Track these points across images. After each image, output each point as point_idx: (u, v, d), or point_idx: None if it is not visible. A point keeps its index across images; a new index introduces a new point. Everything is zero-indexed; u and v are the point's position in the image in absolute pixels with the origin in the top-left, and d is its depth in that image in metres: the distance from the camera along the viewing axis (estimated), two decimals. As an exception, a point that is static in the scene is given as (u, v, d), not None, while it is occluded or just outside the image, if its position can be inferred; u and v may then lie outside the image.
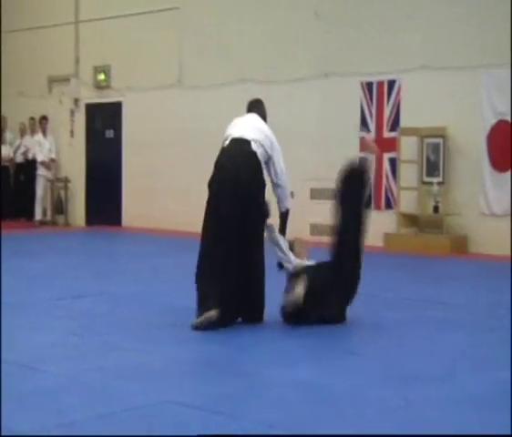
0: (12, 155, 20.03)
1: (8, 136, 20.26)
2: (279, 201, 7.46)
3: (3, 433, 4.14)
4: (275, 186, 7.43)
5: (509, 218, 13.25)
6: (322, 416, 4.64)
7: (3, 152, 19.94)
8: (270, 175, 7.36)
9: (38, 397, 4.92)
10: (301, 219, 15.81)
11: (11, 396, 4.90)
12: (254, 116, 7.52)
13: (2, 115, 20.27)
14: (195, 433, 4.23)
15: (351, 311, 7.17)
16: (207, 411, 4.64)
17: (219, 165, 7.24)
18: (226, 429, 4.34)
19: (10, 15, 20.65)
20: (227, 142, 7.28)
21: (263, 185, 7.25)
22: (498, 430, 4.30)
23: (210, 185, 7.25)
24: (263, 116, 7.60)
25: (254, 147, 7.17)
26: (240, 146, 7.18)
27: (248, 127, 7.31)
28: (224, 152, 7.26)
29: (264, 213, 7.20)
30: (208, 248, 7.09)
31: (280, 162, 7.37)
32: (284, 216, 7.49)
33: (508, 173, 13.42)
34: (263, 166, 7.24)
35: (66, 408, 4.68)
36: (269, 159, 7.28)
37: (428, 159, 14.19)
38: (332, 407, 4.84)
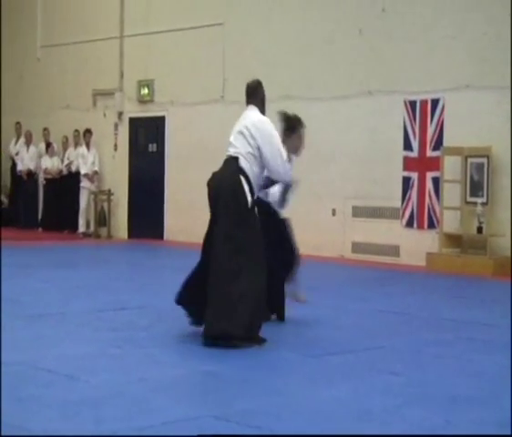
0: (61, 167, 20.16)
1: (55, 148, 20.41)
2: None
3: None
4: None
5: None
6: (361, 433, 4.61)
7: (50, 164, 20.12)
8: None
9: (79, 406, 4.95)
10: (343, 237, 15.81)
11: (53, 404, 4.94)
12: (246, 114, 7.71)
13: (46, 127, 20.50)
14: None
15: (391, 331, 7.09)
16: (244, 425, 4.63)
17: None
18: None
19: (57, 29, 20.96)
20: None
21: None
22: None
23: None
24: (262, 102, 7.89)
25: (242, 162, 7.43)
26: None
27: (237, 138, 7.53)
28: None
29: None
30: None
31: (272, 154, 7.38)
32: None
33: (553, 194, 13.25)
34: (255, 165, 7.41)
35: (106, 418, 4.71)
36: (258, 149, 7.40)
37: (472, 179, 14.06)
38: (372, 425, 4.80)
